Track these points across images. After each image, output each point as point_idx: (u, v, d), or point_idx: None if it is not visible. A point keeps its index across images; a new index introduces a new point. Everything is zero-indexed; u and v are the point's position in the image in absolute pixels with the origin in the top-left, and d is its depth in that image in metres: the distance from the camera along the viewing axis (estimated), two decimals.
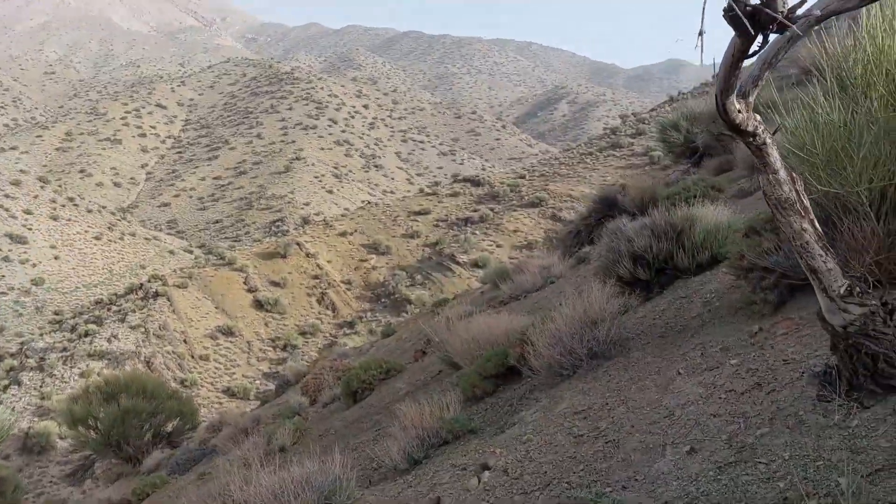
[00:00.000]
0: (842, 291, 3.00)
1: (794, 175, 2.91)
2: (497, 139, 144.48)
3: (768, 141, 2.79)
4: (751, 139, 2.76)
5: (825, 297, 3.04)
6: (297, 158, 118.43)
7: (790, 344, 4.31)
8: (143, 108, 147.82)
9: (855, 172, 3.97)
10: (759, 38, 2.30)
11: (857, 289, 3.02)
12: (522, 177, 63.14)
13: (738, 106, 2.63)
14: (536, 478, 4.23)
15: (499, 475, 4.47)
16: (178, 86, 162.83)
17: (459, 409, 6.14)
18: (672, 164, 21.26)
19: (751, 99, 2.66)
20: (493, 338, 7.46)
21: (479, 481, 4.49)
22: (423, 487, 5.04)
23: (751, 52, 2.39)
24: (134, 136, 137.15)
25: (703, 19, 1.86)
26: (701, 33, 1.91)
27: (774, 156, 2.83)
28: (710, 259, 6.96)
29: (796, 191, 2.90)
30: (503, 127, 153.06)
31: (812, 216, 2.96)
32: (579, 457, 4.23)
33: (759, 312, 4.99)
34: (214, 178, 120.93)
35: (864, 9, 3.75)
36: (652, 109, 77.11)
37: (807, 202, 2.93)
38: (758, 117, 2.73)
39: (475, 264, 51.77)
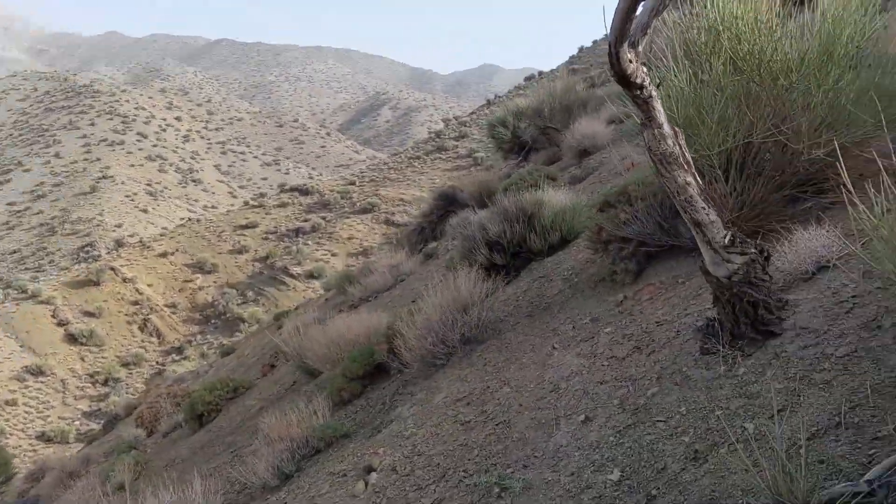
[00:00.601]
0: (725, 242, 3.06)
1: (677, 129, 2.93)
2: (322, 147, 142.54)
3: (654, 94, 2.78)
4: (639, 91, 2.73)
5: (709, 250, 3.10)
6: (105, 177, 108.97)
7: (658, 307, 4.44)
8: None
9: (708, 137, 4.15)
10: None
11: (738, 238, 3.10)
12: (352, 183, 62.75)
13: (629, 56, 2.58)
14: (429, 471, 4.00)
15: (387, 475, 4.18)
16: None
17: (329, 415, 5.76)
18: (497, 164, 22.01)
19: (640, 49, 2.62)
20: (354, 338, 7.13)
21: (367, 484, 4.18)
22: (301, 501, 4.62)
23: None
24: None
25: None
26: None
27: (659, 109, 2.83)
28: (561, 239, 7.13)
29: (679, 145, 2.92)
30: (328, 134, 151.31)
31: (694, 170, 3.00)
32: (471, 443, 4.06)
33: (621, 282, 5.12)
34: (8, 205, 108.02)
35: None
36: (472, 113, 79.93)
37: (689, 156, 2.97)
38: (645, 69, 2.71)
39: (311, 275, 50.57)
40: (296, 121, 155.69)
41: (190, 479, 5.11)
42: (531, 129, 16.58)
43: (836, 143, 3.96)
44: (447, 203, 14.67)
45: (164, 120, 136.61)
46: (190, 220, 79.10)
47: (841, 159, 4.03)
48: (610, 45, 2.51)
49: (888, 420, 2.31)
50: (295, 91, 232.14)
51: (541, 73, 72.74)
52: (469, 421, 4.33)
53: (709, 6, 4.15)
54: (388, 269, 11.86)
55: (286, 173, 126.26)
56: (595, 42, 60.78)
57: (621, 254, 5.24)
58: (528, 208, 7.41)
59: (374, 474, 4.22)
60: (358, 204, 56.77)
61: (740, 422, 2.81)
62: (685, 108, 4.28)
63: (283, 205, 61.54)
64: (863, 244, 2.85)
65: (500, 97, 71.49)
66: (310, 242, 54.12)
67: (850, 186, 2.04)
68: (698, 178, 3.03)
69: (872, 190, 2.08)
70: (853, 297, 3.18)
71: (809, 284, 3.55)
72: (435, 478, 3.86)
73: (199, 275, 53.77)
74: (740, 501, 2.33)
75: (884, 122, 3.79)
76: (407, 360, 5.60)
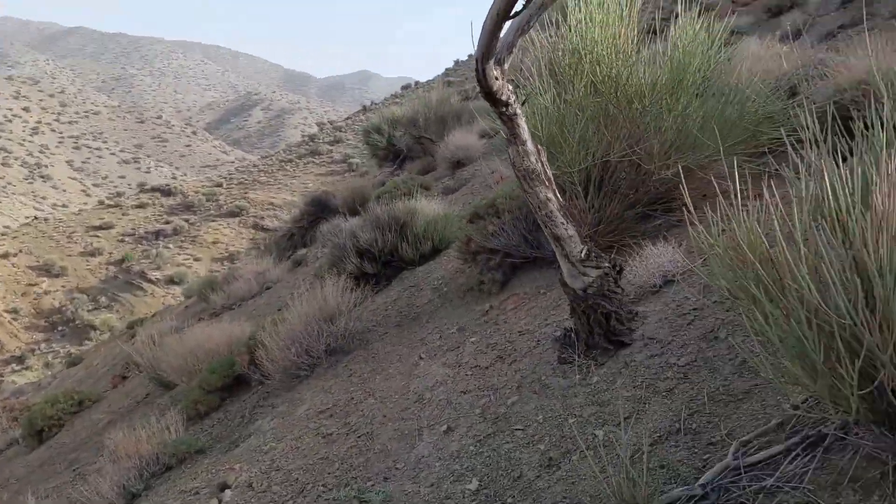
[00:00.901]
0: (581, 256, 3.19)
1: (540, 147, 3.02)
2: (188, 146, 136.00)
3: (518, 111, 2.85)
4: (504, 108, 2.79)
5: (567, 263, 3.22)
6: None
7: (521, 317, 4.56)
8: None
9: (570, 155, 4.33)
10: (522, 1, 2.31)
11: (593, 252, 3.24)
12: (219, 185, 60.29)
13: (495, 73, 2.63)
14: (287, 487, 3.86)
15: (243, 491, 4.00)
16: None
17: (183, 430, 5.45)
18: (372, 171, 21.96)
19: (506, 66, 2.68)
20: (214, 349, 6.81)
21: (220, 502, 3.97)
22: None
23: (512, 13, 2.39)
24: None
25: None
26: None
27: (523, 126, 2.91)
28: (432, 249, 7.19)
29: (542, 162, 3.02)
30: (194, 133, 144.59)
31: (555, 187, 3.10)
32: (332, 456, 3.97)
33: (487, 292, 5.22)
34: None
35: (570, 2, 4.09)
36: (348, 118, 79.32)
37: (550, 173, 3.07)
38: (510, 87, 2.77)
39: (171, 280, 47.97)
40: (159, 117, 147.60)
41: (24, 502, 4.66)
42: (406, 138, 16.67)
43: (681, 165, 4.24)
44: (319, 209, 14.43)
45: (11, 110, 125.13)
46: (36, 218, 72.74)
47: (684, 181, 4.31)
48: (476, 62, 2.55)
49: (721, 426, 2.48)
50: (159, 86, 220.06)
51: (417, 82, 73.56)
52: (331, 433, 4.24)
53: (572, 30, 4.34)
54: (254, 275, 11.47)
55: (147, 172, 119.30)
56: (470, 56, 62.19)
57: (489, 264, 5.35)
58: (400, 217, 7.41)
59: (228, 491, 4.02)
60: (225, 207, 54.62)
61: (591, 429, 2.93)
62: (549, 126, 4.45)
63: (142, 205, 58.06)
64: (703, 261, 3.06)
65: (376, 104, 71.43)
66: (171, 246, 51.39)
67: (690, 207, 2.18)
68: (559, 195, 3.14)
69: (710, 211, 2.23)
70: (694, 309, 3.42)
71: (657, 297, 3.78)
72: (293, 493, 3.74)
73: (45, 278, 49.55)
74: None
75: (721, 148, 4.11)
76: (269, 371, 5.41)
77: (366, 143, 16.96)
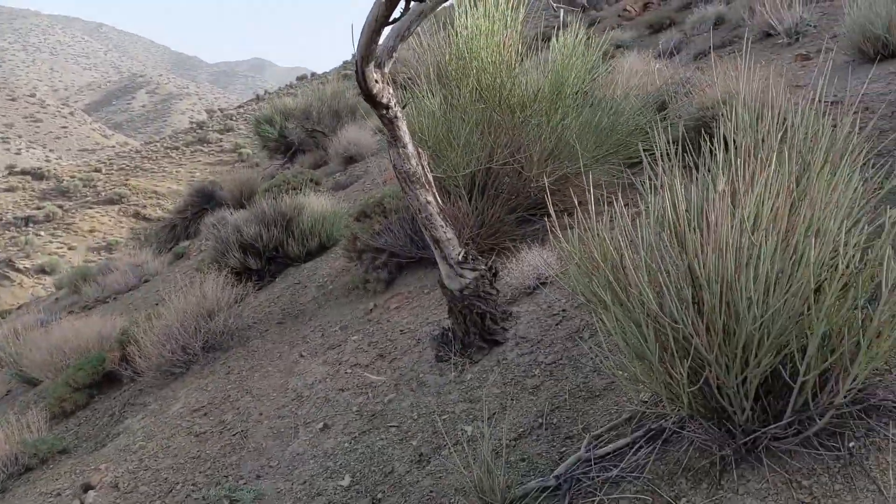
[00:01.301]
0: (459, 258, 3.29)
1: (420, 150, 3.09)
2: (63, 127, 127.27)
3: (399, 115, 2.91)
4: (385, 111, 2.84)
5: (446, 265, 3.31)
6: None
7: (404, 316, 4.63)
8: None
9: (455, 159, 4.44)
10: (402, 4, 2.36)
11: (471, 255, 3.35)
12: (98, 170, 56.78)
13: (375, 76, 2.67)
14: (155, 486, 3.75)
15: (107, 492, 3.85)
16: None
17: (46, 429, 5.14)
18: (263, 162, 21.43)
19: (386, 70, 2.73)
20: (83, 344, 6.45)
21: (83, 503, 3.80)
22: None
23: (391, 19, 2.44)
24: None
25: None
26: None
27: (404, 129, 2.97)
28: (319, 245, 7.14)
29: (422, 165, 3.09)
30: (71, 114, 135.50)
31: (434, 190, 3.18)
32: (204, 455, 3.89)
33: (372, 290, 5.26)
34: None
35: (455, 9, 4.20)
36: (239, 106, 76.80)
37: (430, 176, 3.15)
38: (391, 90, 2.82)
39: (42, 270, 44.78)
40: (32, 95, 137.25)
41: None
42: (298, 131, 16.39)
43: (552, 176, 4.44)
44: (204, 200, 13.93)
45: None
46: None
47: (556, 189, 4.53)
48: (356, 64, 2.59)
49: (579, 421, 2.64)
50: (34, 62, 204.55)
51: (313, 73, 72.25)
52: (205, 432, 4.15)
53: (458, 36, 4.45)
54: (132, 267, 10.93)
55: (17, 153, 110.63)
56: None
57: (374, 263, 5.39)
58: (287, 212, 7.30)
59: (91, 492, 3.85)
60: (103, 193, 51.53)
61: (462, 425, 3.04)
62: (436, 129, 4.54)
63: (11, 189, 53.81)
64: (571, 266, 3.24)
65: (269, 93, 69.60)
66: (42, 233, 47.94)
67: (554, 219, 2.31)
68: (439, 198, 3.22)
69: (569, 219, 2.37)
70: (563, 311, 3.60)
71: (531, 298, 3.96)
72: (161, 493, 3.64)
73: None
74: (452, 500, 2.52)
75: (595, 157, 4.35)
76: (142, 368, 5.21)
77: (257, 134, 16.54)
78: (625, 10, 15.83)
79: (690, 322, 1.76)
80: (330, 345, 4.67)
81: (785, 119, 2.33)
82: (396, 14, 2.44)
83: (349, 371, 4.15)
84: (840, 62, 5.84)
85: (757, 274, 1.69)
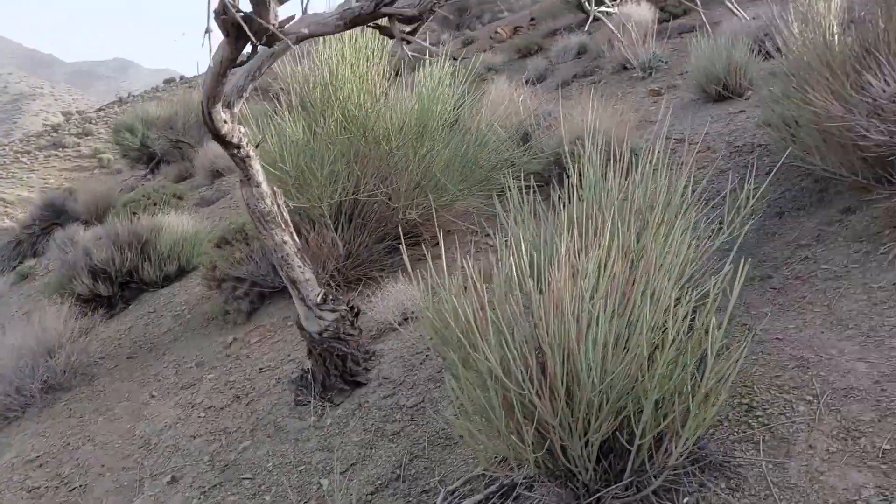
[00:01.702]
0: (318, 300, 3.19)
1: (276, 189, 2.97)
2: None
3: (252, 154, 2.77)
4: (235, 150, 2.70)
5: (304, 306, 3.19)
6: None
7: (265, 352, 4.45)
8: None
9: (319, 189, 4.33)
10: (249, 48, 2.25)
11: (330, 296, 3.26)
12: None
13: (223, 116, 2.53)
14: None
15: None
16: None
17: None
18: (126, 170, 20.18)
19: (236, 110, 2.59)
20: None
21: None
22: None
23: (238, 61, 2.32)
24: None
25: (208, 17, 1.69)
26: (207, 31, 1.73)
27: (257, 168, 2.83)
28: (178, 270, 6.75)
29: (277, 204, 2.97)
30: None
31: (291, 229, 3.07)
32: None
33: (232, 322, 5.02)
34: None
35: (320, 39, 4.11)
36: (100, 109, 72.03)
37: (287, 215, 3.03)
38: (242, 129, 2.69)
39: None
40: None
41: None
42: (162, 141, 15.55)
43: (422, 205, 4.44)
44: (54, 214, 12.87)
45: None
46: None
47: (417, 222, 4.50)
48: (202, 105, 2.44)
49: (436, 472, 2.61)
50: None
51: (182, 77, 69.13)
52: (38, 487, 3.77)
53: (323, 64, 4.35)
54: None
55: None
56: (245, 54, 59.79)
57: (235, 293, 5.14)
58: (143, 234, 6.86)
59: None
60: None
61: (318, 477, 2.93)
62: (299, 157, 4.41)
63: None
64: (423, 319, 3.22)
65: (134, 96, 65.86)
66: None
67: (409, 267, 2.27)
68: (296, 238, 3.11)
69: (432, 251, 2.34)
70: (427, 349, 3.58)
71: (396, 335, 3.90)
72: None
73: None
74: None
75: (462, 190, 4.38)
76: None
77: (115, 142, 15.52)
78: (496, 32, 16.27)
79: (535, 387, 1.77)
80: (184, 384, 4.40)
81: (628, 170, 2.42)
82: (244, 56, 2.33)
83: (203, 415, 3.92)
84: (687, 100, 6.25)
85: (595, 340, 1.73)
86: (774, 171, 3.62)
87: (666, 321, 1.77)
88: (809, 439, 1.93)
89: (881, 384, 2.05)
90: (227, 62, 2.26)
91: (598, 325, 1.71)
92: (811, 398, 2.10)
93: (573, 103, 6.21)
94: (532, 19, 17.01)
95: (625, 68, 8.33)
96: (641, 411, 1.76)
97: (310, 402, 3.47)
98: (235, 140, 2.65)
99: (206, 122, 2.50)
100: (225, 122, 2.55)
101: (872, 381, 2.08)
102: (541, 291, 1.86)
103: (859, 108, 2.63)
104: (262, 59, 2.50)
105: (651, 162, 2.42)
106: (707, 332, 1.71)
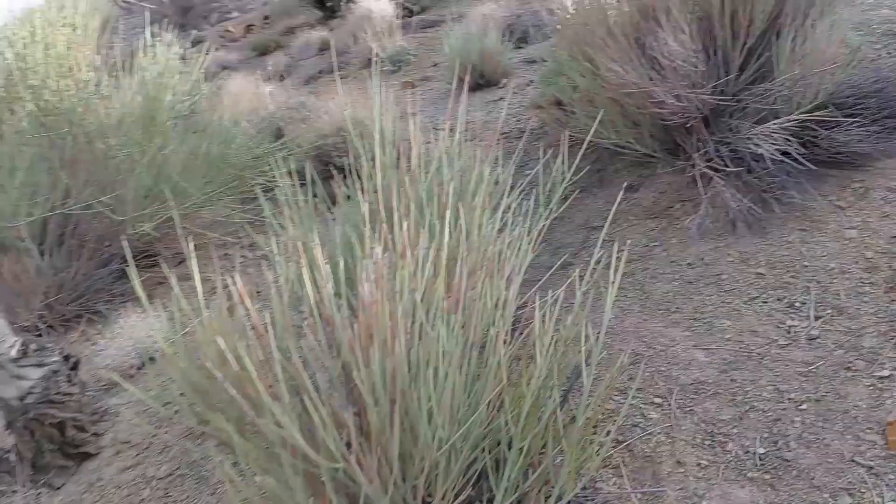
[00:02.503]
0: (14, 354, 2.29)
1: None
2: None
3: None
4: None
5: None
6: None
7: None
8: None
9: (12, 203, 3.31)
10: None
11: (33, 345, 2.37)
12: None
13: None
14: None
15: None
16: None
17: None
18: None
19: None
20: None
21: None
22: None
23: None
24: None
25: None
26: None
27: None
28: None
29: None
30: None
31: None
32: None
33: None
34: None
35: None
36: None
37: None
38: None
39: None
40: None
41: None
42: None
43: (158, 215, 3.63)
44: None
45: None
46: None
47: (128, 252, 3.69)
48: None
49: None
50: None
51: None
52: None
53: (6, 46, 3.33)
54: None
55: None
56: None
57: None
58: None
59: None
60: None
61: None
62: None
63: None
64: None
65: None
66: None
67: (144, 299, 1.59)
68: None
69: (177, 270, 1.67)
70: (181, 394, 2.82)
71: (136, 381, 3.07)
72: None
73: None
74: None
75: (208, 194, 3.64)
76: None
77: None
78: (227, 30, 15.13)
79: (354, 454, 1.22)
80: None
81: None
82: None
83: None
84: (443, 90, 6.07)
85: (438, 374, 1.23)
86: (548, 154, 3.45)
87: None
88: (675, 453, 1.63)
89: (728, 373, 1.83)
90: None
91: (440, 354, 1.21)
92: (659, 400, 1.82)
93: (325, 98, 5.70)
94: (266, 17, 16.16)
95: (372, 62, 8.00)
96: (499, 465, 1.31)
97: (17, 491, 2.53)
98: None
99: None
100: None
101: (718, 370, 1.86)
102: (352, 312, 1.32)
103: (648, 74, 2.47)
104: None
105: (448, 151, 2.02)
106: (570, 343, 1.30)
